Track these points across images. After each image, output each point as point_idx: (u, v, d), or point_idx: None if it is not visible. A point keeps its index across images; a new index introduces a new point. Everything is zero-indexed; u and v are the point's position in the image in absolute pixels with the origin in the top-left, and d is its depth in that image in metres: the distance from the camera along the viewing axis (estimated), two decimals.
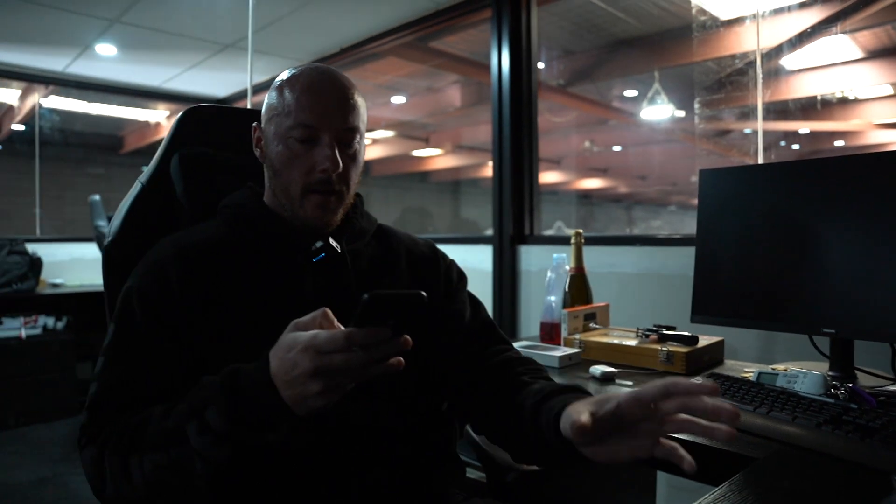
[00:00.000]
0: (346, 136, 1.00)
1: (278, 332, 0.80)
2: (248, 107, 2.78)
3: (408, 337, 0.71)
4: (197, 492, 0.80)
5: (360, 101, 1.03)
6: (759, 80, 2.33)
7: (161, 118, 5.88)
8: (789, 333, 1.68)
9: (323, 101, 0.98)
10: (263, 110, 1.04)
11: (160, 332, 0.91)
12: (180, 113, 1.22)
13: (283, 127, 0.98)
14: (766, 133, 2.51)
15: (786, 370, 1.26)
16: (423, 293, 0.69)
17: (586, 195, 8.95)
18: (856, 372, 1.37)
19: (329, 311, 0.74)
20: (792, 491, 0.82)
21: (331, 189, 0.99)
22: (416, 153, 7.40)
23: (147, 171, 1.18)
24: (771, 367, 1.51)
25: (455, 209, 8.10)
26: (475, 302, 1.19)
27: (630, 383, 1.40)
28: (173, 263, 0.95)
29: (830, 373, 1.38)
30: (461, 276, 1.21)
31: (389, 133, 6.83)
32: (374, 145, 7.01)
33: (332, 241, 1.02)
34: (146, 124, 5.97)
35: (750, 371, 1.37)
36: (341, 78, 1.02)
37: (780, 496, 0.80)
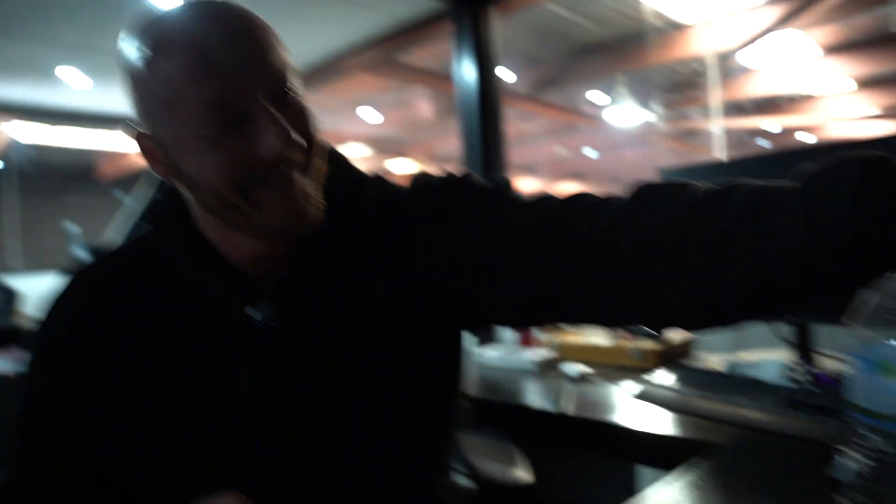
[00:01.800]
0: (279, 83, 0.63)
1: (208, 417, 0.67)
2: None
3: None
4: None
5: (273, 34, 0.65)
6: (715, 81, 2.41)
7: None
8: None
9: (224, 52, 0.60)
10: (134, 102, 0.65)
11: (54, 415, 0.70)
12: None
13: (184, 118, 0.61)
14: (735, 131, 2.58)
15: (749, 360, 1.31)
16: None
17: None
18: (817, 356, 1.42)
19: None
20: (751, 471, 0.86)
21: (293, 171, 0.64)
22: (390, 166, 7.45)
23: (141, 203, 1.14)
24: (739, 355, 1.56)
25: None
26: (515, 204, 0.74)
27: (606, 381, 1.43)
28: (68, 328, 0.71)
29: (792, 359, 1.43)
30: (480, 195, 0.76)
31: (366, 150, 6.87)
32: None
33: (268, 307, 0.70)
34: (120, 153, 5.96)
35: (716, 361, 1.41)
36: (237, 14, 0.63)
37: (739, 477, 0.84)
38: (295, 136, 0.62)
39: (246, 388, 0.70)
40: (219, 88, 0.60)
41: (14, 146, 5.05)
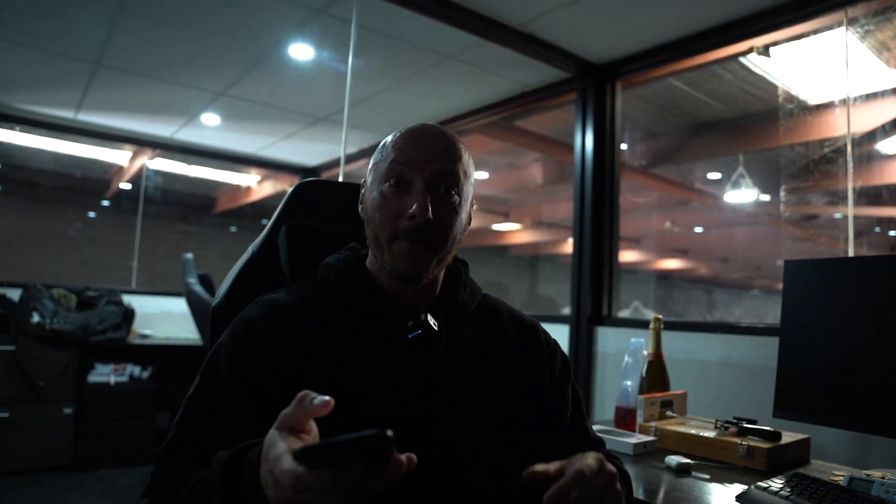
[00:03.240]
0: (444, 180, 0.93)
1: (359, 407, 0.80)
2: (340, 176, 2.92)
3: (400, 458, 0.56)
4: None
5: (464, 151, 0.97)
6: (850, 166, 2.28)
7: (252, 182, 6.21)
8: (884, 437, 1.58)
9: (420, 143, 0.94)
10: (370, 167, 1.01)
11: (242, 391, 0.87)
12: (293, 186, 1.27)
13: (380, 172, 0.95)
14: (859, 219, 2.43)
15: (883, 478, 1.18)
16: (388, 432, 0.53)
17: (666, 276, 8.75)
18: None
19: (305, 397, 0.63)
20: None
21: (420, 237, 0.91)
22: (495, 227, 7.49)
23: (258, 239, 1.23)
24: (865, 472, 1.42)
25: (532, 285, 8.08)
26: (577, 399, 1.10)
27: (707, 476, 1.34)
28: (265, 324, 0.92)
29: None
30: (565, 367, 1.11)
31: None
32: None
33: (429, 317, 0.96)
34: (238, 187, 6.32)
35: (840, 475, 1.29)
36: (445, 129, 0.98)
37: None
38: (430, 216, 0.90)
39: (397, 378, 0.92)
40: (404, 156, 0.93)
41: (144, 173, 5.46)
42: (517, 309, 1.13)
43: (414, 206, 0.89)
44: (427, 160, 0.92)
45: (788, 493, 1.15)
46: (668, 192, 6.03)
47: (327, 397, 0.61)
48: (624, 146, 3.43)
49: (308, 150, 5.30)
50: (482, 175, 5.95)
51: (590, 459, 0.77)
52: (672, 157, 5.30)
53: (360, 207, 1.02)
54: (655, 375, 1.76)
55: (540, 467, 0.76)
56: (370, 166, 1.00)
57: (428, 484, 0.88)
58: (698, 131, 4.69)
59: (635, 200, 5.77)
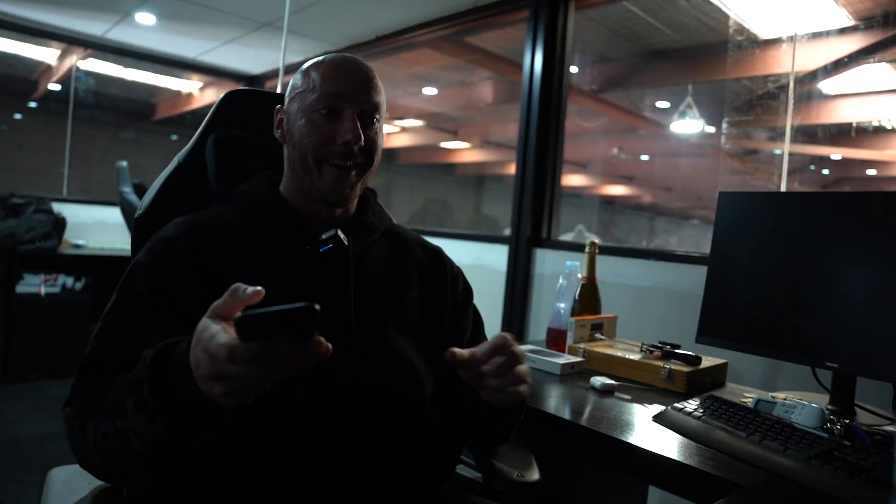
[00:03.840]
0: (370, 112, 1.04)
1: None
2: (279, 86, 2.81)
3: (318, 341, 0.63)
4: (144, 464, 0.79)
5: (381, 86, 1.07)
6: (791, 104, 2.31)
7: (194, 89, 5.94)
8: (791, 363, 1.68)
9: (349, 77, 1.03)
10: (287, 92, 1.08)
11: (159, 306, 0.91)
12: (222, 95, 1.24)
13: (308, 102, 1.02)
14: (795, 156, 2.49)
15: (785, 399, 1.26)
16: (315, 306, 0.59)
17: (610, 201, 8.89)
18: (855, 408, 1.37)
19: (237, 288, 0.68)
20: None
21: (350, 163, 1.02)
22: (443, 145, 7.41)
23: (184, 149, 1.20)
24: (771, 394, 1.51)
25: (477, 204, 8.10)
26: (477, 321, 1.22)
27: (629, 397, 1.40)
28: (182, 242, 0.97)
29: (830, 406, 1.38)
30: (467, 291, 1.22)
31: (419, 123, 6.84)
32: (403, 134, 7.02)
33: (340, 233, 1.03)
34: (178, 94, 6.04)
35: (750, 397, 1.37)
36: (364, 63, 1.07)
37: None
38: (363, 141, 1.01)
39: (309, 288, 0.99)
40: (336, 88, 1.02)
41: (74, 73, 5.14)
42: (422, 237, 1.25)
43: (348, 135, 1.00)
44: (357, 93, 1.02)
45: (700, 414, 1.22)
46: (617, 118, 6.04)
47: (258, 287, 0.67)
48: (575, 69, 3.39)
49: (252, 57, 5.06)
50: (431, 91, 5.83)
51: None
52: (623, 83, 5.28)
53: (277, 133, 1.10)
54: (588, 298, 1.80)
55: (460, 351, 0.86)
56: (290, 92, 1.07)
57: (342, 379, 0.95)
58: (650, 58, 4.66)
59: (584, 125, 5.77)
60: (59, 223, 4.05)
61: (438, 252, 1.22)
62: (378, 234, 1.13)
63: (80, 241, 4.40)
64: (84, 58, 5.12)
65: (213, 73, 5.56)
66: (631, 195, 9.38)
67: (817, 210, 1.42)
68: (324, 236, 1.02)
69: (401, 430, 0.98)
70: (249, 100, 1.26)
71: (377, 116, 1.05)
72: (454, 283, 1.19)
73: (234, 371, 0.63)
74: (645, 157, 7.97)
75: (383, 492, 0.96)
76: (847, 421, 1.17)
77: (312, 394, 0.91)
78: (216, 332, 0.65)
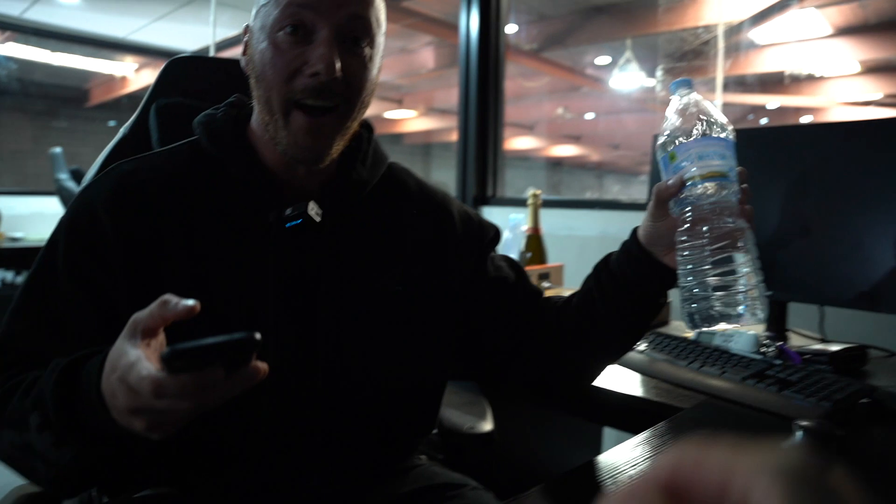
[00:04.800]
0: (354, 29, 0.75)
1: (221, 304, 0.71)
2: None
3: (257, 365, 0.55)
4: (56, 484, 0.69)
5: None
6: (721, 54, 2.37)
7: (128, 71, 5.75)
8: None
9: None
10: (255, 7, 0.81)
11: (80, 277, 0.75)
12: (164, 63, 1.20)
13: (271, 18, 0.75)
14: (735, 107, 2.56)
15: (724, 330, 1.32)
16: (255, 336, 0.52)
17: (558, 162, 8.98)
18: (788, 333, 1.44)
19: (168, 301, 0.57)
20: (709, 437, 0.88)
21: (324, 104, 0.75)
22: (388, 115, 7.35)
23: (129, 121, 1.16)
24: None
25: (426, 172, 8.10)
26: (515, 265, 1.00)
27: None
28: (111, 203, 0.77)
29: (765, 333, 1.45)
30: (496, 235, 1.00)
31: None
32: None
33: (311, 206, 0.79)
34: (112, 77, 5.84)
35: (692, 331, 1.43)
36: None
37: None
38: (339, 73, 0.73)
39: (269, 274, 0.79)
40: (301, 6, 0.73)
41: None
42: (430, 182, 0.99)
43: (318, 63, 0.73)
44: (334, 2, 0.74)
45: (644, 349, 1.27)
46: (560, 76, 6.08)
47: (192, 301, 0.57)
48: (514, 28, 3.39)
49: (184, 34, 4.92)
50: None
51: None
52: (563, 40, 5.31)
53: (242, 60, 0.83)
54: (533, 249, 1.84)
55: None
56: (255, 8, 0.79)
57: (300, 393, 0.79)
58: (588, 14, 4.70)
59: (527, 85, 5.79)
60: None
61: (442, 202, 0.96)
62: (369, 188, 0.88)
63: (17, 234, 4.26)
64: (2, 41, 4.89)
65: (146, 52, 5.38)
66: (579, 155, 9.48)
67: (743, 147, 1.47)
68: (289, 211, 0.79)
69: (371, 424, 0.86)
70: (193, 67, 1.21)
71: (367, 35, 0.77)
72: (470, 233, 0.95)
73: (160, 405, 0.54)
74: (590, 116, 8.05)
75: (351, 473, 0.85)
76: (780, 343, 1.23)
77: (273, 399, 0.77)
78: (136, 359, 0.55)
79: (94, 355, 0.64)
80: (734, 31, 2.71)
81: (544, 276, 1.81)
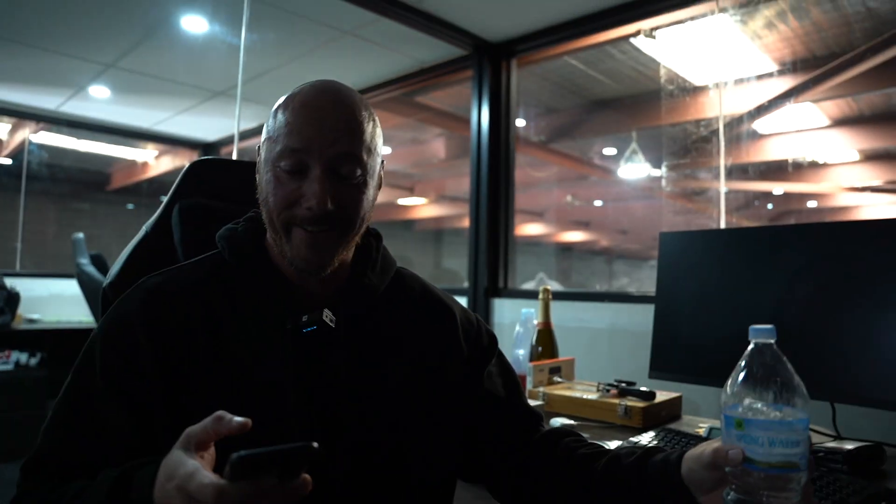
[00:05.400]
0: (345, 164, 0.83)
1: (244, 406, 0.72)
2: (234, 153, 2.85)
3: (307, 477, 0.60)
4: None
5: (367, 120, 0.87)
6: (722, 145, 2.46)
7: (149, 157, 5.96)
8: None
9: (315, 122, 0.82)
10: (263, 136, 0.90)
11: (117, 397, 0.79)
12: (178, 163, 1.25)
13: (273, 153, 0.84)
14: (739, 193, 2.62)
15: None
16: (314, 445, 0.58)
17: (568, 247, 9.06)
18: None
19: (222, 417, 0.63)
20: None
21: (321, 229, 0.83)
22: (400, 201, 7.51)
23: (151, 219, 1.19)
24: None
25: (437, 258, 8.18)
26: (510, 376, 1.05)
27: (588, 435, 1.44)
28: (143, 316, 0.83)
29: None
30: (492, 344, 1.06)
31: None
32: None
33: (325, 312, 0.86)
34: (133, 163, 6.04)
35: (703, 426, 1.43)
36: (344, 93, 0.87)
37: None
38: (331, 206, 0.81)
39: (289, 377, 0.84)
40: (297, 141, 0.82)
41: (27, 147, 5.12)
42: (435, 287, 1.06)
43: (311, 199, 0.81)
44: (325, 142, 0.81)
45: (655, 444, 1.27)
46: (568, 166, 6.25)
47: (245, 419, 0.62)
48: (523, 122, 3.53)
49: (205, 126, 5.13)
50: (385, 150, 5.94)
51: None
52: (570, 132, 5.49)
53: (257, 177, 0.91)
54: (544, 343, 1.86)
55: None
56: (263, 138, 0.88)
57: (337, 494, 0.83)
58: (594, 108, 4.87)
59: (536, 175, 5.94)
60: (13, 298, 3.96)
61: (450, 307, 1.03)
62: (379, 292, 0.95)
63: (34, 316, 4.31)
64: (36, 131, 5.11)
65: (167, 141, 5.61)
66: (588, 240, 9.57)
67: (750, 243, 1.51)
68: (305, 318, 0.85)
69: None
70: (214, 168, 1.24)
71: (358, 167, 0.84)
72: (471, 339, 1.02)
73: None
74: (598, 203, 8.19)
75: None
76: None
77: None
78: (194, 469, 0.59)
79: (145, 465, 0.67)
80: (735, 123, 2.82)
81: (555, 371, 1.82)
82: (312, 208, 0.81)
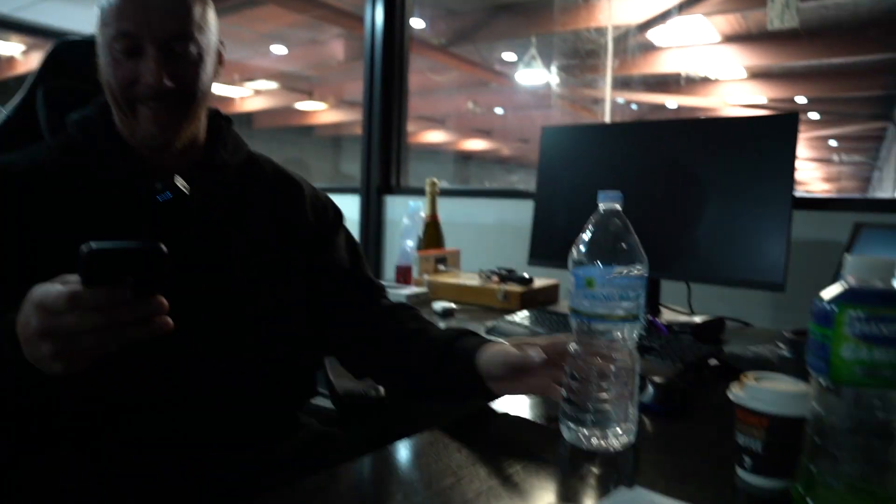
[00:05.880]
0: (177, 43, 0.87)
1: None
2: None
3: (161, 298, 0.61)
4: None
5: (194, 1, 0.89)
6: (610, 53, 2.52)
7: (16, 52, 5.44)
8: None
9: (140, 5, 0.85)
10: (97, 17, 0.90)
11: None
12: (51, 45, 1.16)
13: (106, 37, 0.86)
14: (639, 106, 2.71)
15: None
16: (162, 246, 0.59)
17: (469, 156, 9.14)
18: (661, 307, 1.57)
19: (66, 278, 0.63)
20: None
21: (163, 104, 0.87)
22: (298, 106, 7.27)
23: (12, 105, 1.12)
24: None
25: (336, 164, 8.05)
26: (354, 249, 1.11)
27: (468, 317, 1.52)
28: None
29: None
30: (337, 217, 1.12)
31: (272, 84, 6.66)
32: (256, 97, 6.80)
33: (178, 180, 0.90)
34: None
35: None
36: None
37: None
38: (168, 82, 0.85)
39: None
40: (126, 26, 0.84)
41: None
42: (288, 168, 1.12)
43: (149, 77, 0.84)
44: (154, 23, 0.84)
45: (527, 323, 1.36)
46: (468, 71, 6.21)
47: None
48: (421, 23, 3.45)
49: (78, 15, 4.70)
50: (281, 50, 5.69)
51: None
52: (471, 36, 5.43)
53: (98, 61, 0.91)
54: (431, 235, 1.91)
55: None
56: (97, 22, 0.88)
57: (183, 358, 0.87)
58: (494, 12, 4.83)
59: (436, 79, 5.88)
60: None
61: (298, 182, 1.09)
62: (231, 170, 1.00)
63: None
64: None
65: (35, 32, 5.11)
66: (490, 149, 9.67)
67: (628, 137, 1.59)
68: (159, 185, 0.89)
69: (248, 381, 0.94)
70: (80, 49, 1.15)
71: (191, 44, 0.88)
72: (318, 213, 1.08)
73: (71, 322, 0.58)
74: (499, 111, 8.24)
75: (233, 433, 0.93)
76: (650, 317, 1.35)
77: (158, 365, 0.85)
78: (48, 288, 0.60)
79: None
80: (627, 34, 2.88)
81: (441, 260, 1.88)
82: (151, 86, 0.85)
